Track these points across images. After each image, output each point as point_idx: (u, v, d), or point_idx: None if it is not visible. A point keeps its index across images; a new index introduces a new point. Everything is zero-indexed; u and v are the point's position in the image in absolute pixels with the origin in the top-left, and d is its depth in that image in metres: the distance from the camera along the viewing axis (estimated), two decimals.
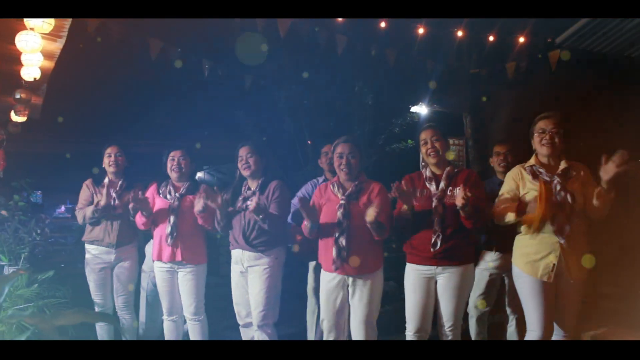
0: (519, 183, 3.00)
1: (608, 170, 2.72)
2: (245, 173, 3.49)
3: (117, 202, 3.76)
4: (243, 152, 3.51)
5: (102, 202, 3.67)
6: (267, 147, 3.71)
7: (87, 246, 3.86)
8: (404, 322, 3.16)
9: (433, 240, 2.99)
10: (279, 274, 3.45)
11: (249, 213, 3.30)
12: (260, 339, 3.35)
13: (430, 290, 3.07)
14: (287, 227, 3.57)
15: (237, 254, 3.47)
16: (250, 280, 3.39)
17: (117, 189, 3.85)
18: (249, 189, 3.49)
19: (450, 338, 3.06)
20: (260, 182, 3.47)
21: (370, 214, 2.87)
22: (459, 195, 2.83)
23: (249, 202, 3.28)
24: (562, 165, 2.93)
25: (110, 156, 3.89)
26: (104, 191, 3.69)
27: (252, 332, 3.47)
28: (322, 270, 3.27)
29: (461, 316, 3.10)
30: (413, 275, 3.11)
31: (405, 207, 2.98)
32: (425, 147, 3.16)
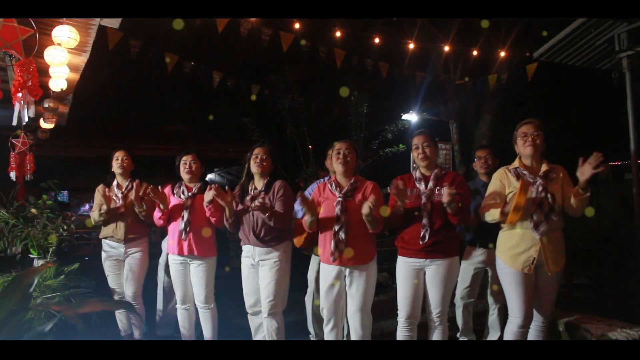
0: (504, 183, 3.01)
1: (585, 172, 2.74)
2: (257, 170, 3.42)
3: (121, 202, 3.80)
4: (260, 151, 3.45)
5: (105, 207, 3.76)
6: (276, 152, 3.63)
7: (103, 241, 3.93)
8: (396, 309, 3.16)
9: (422, 234, 3.00)
10: (287, 266, 3.43)
11: (257, 211, 3.30)
12: (270, 326, 3.32)
13: (419, 281, 3.08)
14: (291, 222, 3.54)
15: (248, 249, 3.44)
16: (261, 272, 3.37)
17: (123, 190, 3.88)
18: (256, 188, 3.45)
19: (437, 324, 3.06)
20: (266, 182, 3.44)
21: (366, 207, 2.89)
22: (445, 193, 2.85)
23: (256, 202, 3.25)
24: (544, 167, 2.94)
25: (117, 159, 3.90)
26: (103, 197, 3.80)
27: (259, 320, 3.46)
28: (321, 262, 3.27)
29: (447, 304, 3.10)
30: (404, 267, 3.12)
31: (399, 202, 2.98)
32: (417, 151, 3.16)
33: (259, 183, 3.45)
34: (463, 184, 3.09)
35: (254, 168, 3.42)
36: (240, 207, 3.41)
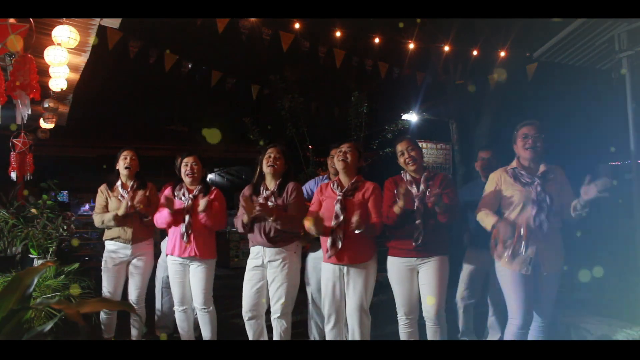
0: (500, 185, 3.02)
1: (589, 192, 2.70)
2: (269, 171, 3.37)
3: (129, 203, 3.68)
4: (273, 151, 3.39)
5: (121, 212, 3.64)
6: (290, 153, 3.59)
7: (107, 242, 3.82)
8: (396, 310, 3.19)
9: (415, 235, 3.04)
10: (297, 266, 3.40)
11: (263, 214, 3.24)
12: (279, 326, 3.30)
13: (413, 279, 3.12)
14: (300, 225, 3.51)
15: (257, 250, 3.38)
16: (270, 274, 3.33)
17: (129, 190, 3.81)
18: (267, 188, 3.39)
19: (433, 324, 3.08)
20: (278, 183, 3.39)
21: (354, 228, 2.95)
22: (430, 196, 2.92)
23: (257, 208, 3.17)
24: (542, 168, 2.94)
25: (125, 158, 3.84)
26: (124, 204, 3.64)
27: (257, 325, 3.40)
28: (322, 260, 3.29)
29: (443, 302, 3.11)
30: (396, 267, 3.15)
31: (401, 203, 2.99)
32: (402, 157, 3.20)
33: (270, 184, 3.40)
34: (450, 184, 3.15)
35: (266, 168, 3.38)
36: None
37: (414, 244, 3.03)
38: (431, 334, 3.10)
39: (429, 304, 3.06)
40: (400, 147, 3.22)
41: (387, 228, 3.21)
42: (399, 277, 3.13)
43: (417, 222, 3.04)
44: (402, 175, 3.25)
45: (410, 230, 3.06)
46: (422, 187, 3.11)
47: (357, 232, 2.99)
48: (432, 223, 3.03)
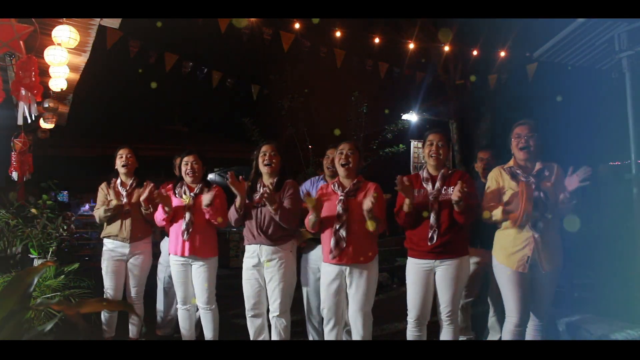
0: (500, 182, 3.03)
1: (572, 183, 2.77)
2: (266, 170, 3.40)
3: (126, 200, 3.74)
4: (268, 149, 3.40)
5: (113, 202, 3.69)
6: (284, 150, 3.60)
7: (105, 240, 3.86)
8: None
9: (430, 235, 3.00)
10: (294, 265, 3.42)
11: (265, 207, 3.27)
12: (279, 325, 3.32)
13: (429, 282, 3.08)
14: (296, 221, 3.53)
15: (253, 248, 3.39)
16: (267, 273, 3.35)
17: (128, 188, 3.83)
18: (264, 186, 3.39)
19: (448, 323, 3.06)
20: (276, 180, 3.41)
21: (368, 202, 2.94)
22: (455, 190, 2.86)
23: (263, 191, 3.20)
24: (537, 166, 2.96)
25: (122, 157, 3.85)
26: (112, 192, 3.72)
27: (259, 322, 3.43)
28: (322, 261, 3.27)
29: (458, 303, 3.11)
30: (413, 268, 3.12)
31: (407, 201, 2.98)
32: (429, 147, 3.14)
33: (267, 181, 3.42)
34: (470, 183, 3.09)
35: (262, 167, 3.40)
36: (248, 202, 3.38)
37: (429, 243, 2.99)
38: (444, 334, 3.09)
39: (443, 305, 3.04)
40: (431, 137, 3.14)
41: (404, 229, 3.19)
42: (415, 279, 3.09)
43: (431, 221, 3.00)
44: (420, 172, 3.22)
45: (425, 230, 3.03)
46: (437, 185, 3.07)
47: (366, 210, 2.98)
48: (448, 222, 2.99)
